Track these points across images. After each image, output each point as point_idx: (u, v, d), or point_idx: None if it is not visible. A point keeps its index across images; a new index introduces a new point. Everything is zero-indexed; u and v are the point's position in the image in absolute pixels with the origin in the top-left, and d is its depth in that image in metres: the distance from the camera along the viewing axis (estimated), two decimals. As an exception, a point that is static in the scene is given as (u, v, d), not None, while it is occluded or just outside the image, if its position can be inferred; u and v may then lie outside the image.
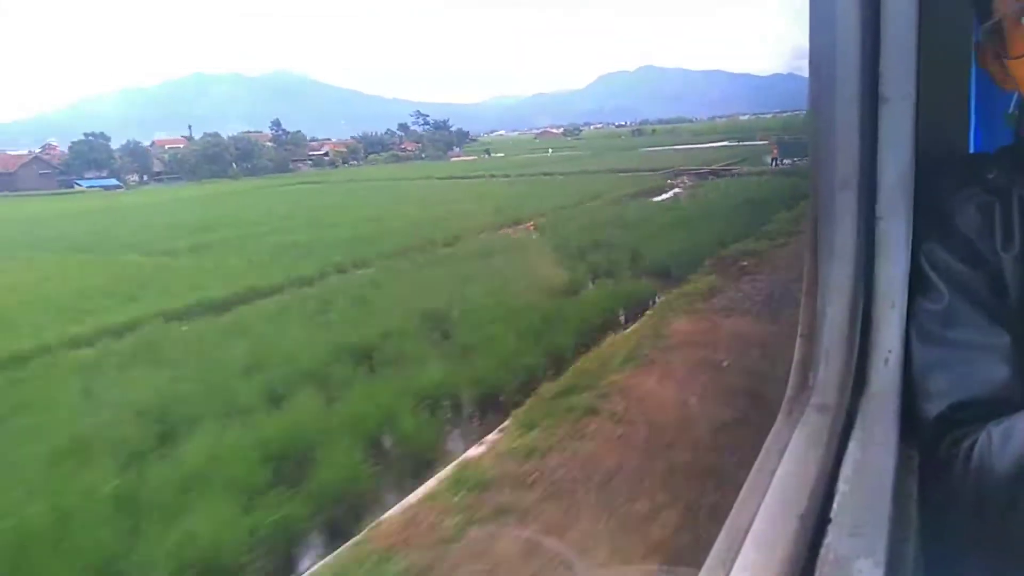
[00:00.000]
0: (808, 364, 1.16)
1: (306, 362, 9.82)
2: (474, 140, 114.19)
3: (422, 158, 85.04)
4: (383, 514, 6.27)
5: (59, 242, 26.06)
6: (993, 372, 1.06)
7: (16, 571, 5.82)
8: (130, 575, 5.67)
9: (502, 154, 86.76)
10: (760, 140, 50.48)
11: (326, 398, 8.72)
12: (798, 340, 1.17)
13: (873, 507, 0.99)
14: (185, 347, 11.67)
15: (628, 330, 11.10)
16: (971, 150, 1.54)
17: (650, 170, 40.30)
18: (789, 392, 1.17)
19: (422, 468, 7.21)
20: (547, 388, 8.43)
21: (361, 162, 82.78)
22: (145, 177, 72.89)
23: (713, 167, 38.96)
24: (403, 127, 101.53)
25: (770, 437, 1.13)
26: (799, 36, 1.19)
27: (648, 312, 12.19)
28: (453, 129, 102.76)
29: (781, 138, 39.25)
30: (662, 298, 12.99)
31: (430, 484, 6.57)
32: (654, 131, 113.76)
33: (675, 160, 46.53)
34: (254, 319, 13.11)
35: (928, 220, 1.15)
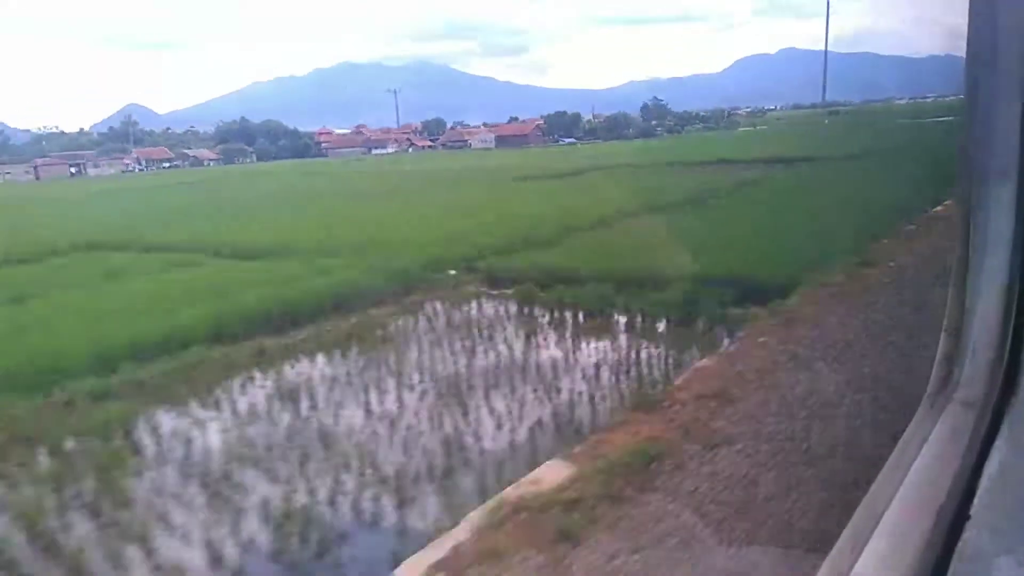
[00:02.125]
0: (953, 358, 1.13)
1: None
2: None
3: (715, 129, 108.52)
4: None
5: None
6: None
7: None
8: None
9: (765, 127, 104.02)
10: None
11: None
12: (942, 334, 1.14)
13: (1018, 506, 0.97)
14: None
15: None
16: None
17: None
18: (931, 385, 1.15)
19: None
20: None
21: (688, 129, 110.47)
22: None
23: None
24: (645, 108, 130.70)
25: (909, 428, 1.13)
26: (957, 14, 1.11)
27: None
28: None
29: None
30: None
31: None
32: (847, 112, 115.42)
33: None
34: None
35: None
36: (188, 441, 7.61)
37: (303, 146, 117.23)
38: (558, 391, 8.47)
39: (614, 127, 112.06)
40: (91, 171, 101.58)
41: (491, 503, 5.24)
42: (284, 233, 20.63)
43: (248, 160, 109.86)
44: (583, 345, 10.21)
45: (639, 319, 11.11)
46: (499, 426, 7.61)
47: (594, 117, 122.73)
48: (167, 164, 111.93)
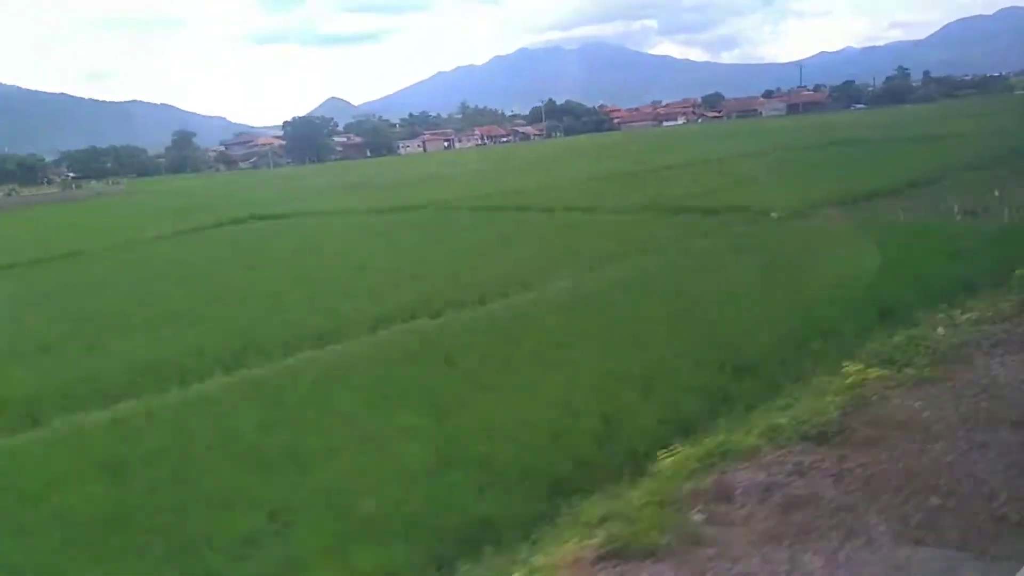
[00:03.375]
0: None
1: None
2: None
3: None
4: None
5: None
6: None
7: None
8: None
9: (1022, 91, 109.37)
10: None
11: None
12: None
13: None
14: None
15: None
16: None
17: None
18: None
19: None
20: None
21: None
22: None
23: None
24: (891, 78, 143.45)
25: None
26: None
27: None
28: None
29: None
30: None
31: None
32: None
33: None
34: None
35: None
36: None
37: (599, 121, 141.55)
38: None
39: (893, 94, 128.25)
40: (456, 145, 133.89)
41: None
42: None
43: (559, 135, 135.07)
44: None
45: None
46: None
47: (872, 86, 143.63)
48: (504, 139, 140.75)
